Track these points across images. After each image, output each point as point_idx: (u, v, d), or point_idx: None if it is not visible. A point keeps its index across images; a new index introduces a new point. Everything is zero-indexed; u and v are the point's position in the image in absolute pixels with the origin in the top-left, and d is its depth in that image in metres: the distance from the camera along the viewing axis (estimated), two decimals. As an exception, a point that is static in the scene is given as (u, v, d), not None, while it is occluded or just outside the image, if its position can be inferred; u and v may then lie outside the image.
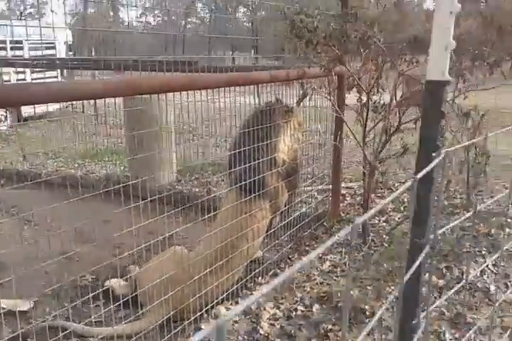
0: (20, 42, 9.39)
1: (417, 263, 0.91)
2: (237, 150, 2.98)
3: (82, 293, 2.44)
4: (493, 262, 2.97)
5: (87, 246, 3.25)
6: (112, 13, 32.71)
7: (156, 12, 41.78)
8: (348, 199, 4.43)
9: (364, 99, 3.31)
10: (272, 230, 3.29)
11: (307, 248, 3.53)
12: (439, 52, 0.78)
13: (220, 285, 2.78)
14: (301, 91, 3.05)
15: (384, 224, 3.84)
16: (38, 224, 4.06)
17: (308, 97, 3.08)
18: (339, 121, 3.76)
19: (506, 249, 3.11)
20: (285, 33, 2.72)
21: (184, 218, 3.05)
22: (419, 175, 0.83)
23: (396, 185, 4.71)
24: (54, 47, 10.24)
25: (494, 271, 2.89)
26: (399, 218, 3.90)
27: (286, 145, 3.18)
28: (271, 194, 3.07)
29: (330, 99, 3.08)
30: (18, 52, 9.24)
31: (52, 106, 6.63)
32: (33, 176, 4.75)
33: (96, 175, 5.35)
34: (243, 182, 2.89)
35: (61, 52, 10.35)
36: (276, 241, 3.34)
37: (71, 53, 10.48)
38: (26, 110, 8.46)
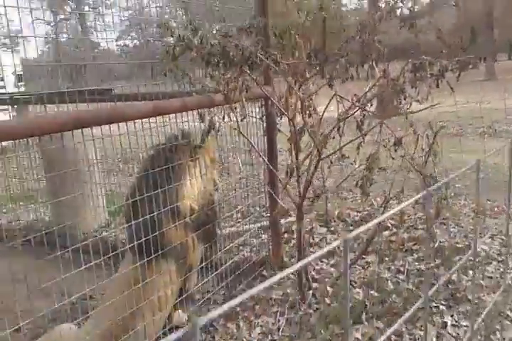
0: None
1: None
2: (132, 200, 2.42)
3: None
4: (453, 321, 2.40)
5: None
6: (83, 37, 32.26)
7: (132, 34, 41.55)
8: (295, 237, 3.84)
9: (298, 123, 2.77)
10: (190, 291, 2.71)
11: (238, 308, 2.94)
12: None
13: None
14: (206, 123, 2.49)
15: (332, 269, 3.26)
16: None
17: (217, 129, 2.52)
18: (270, 151, 3.22)
19: (468, 300, 2.54)
20: (162, 55, 2.17)
21: (109, 271, 2.50)
22: None
23: (353, 217, 4.15)
24: (2, 79, 9.68)
25: (454, 334, 2.31)
26: (351, 260, 3.32)
27: (195, 188, 2.61)
28: (176, 252, 2.49)
29: (239, 131, 2.52)
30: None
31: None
32: None
33: (19, 223, 4.74)
34: (136, 242, 2.33)
35: (9, 83, 9.79)
36: (196, 305, 2.75)
37: (20, 84, 9.91)
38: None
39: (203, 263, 2.79)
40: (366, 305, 2.66)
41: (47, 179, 4.45)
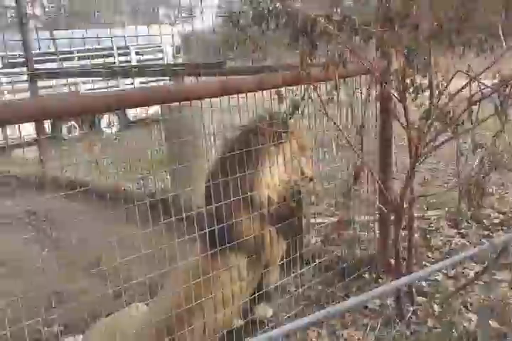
0: (127, 47, 9.57)
1: None
2: (208, 184, 2.22)
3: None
4: None
5: (90, 279, 2.82)
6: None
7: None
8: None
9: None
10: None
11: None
12: None
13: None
14: (288, 103, 2.12)
15: (449, 281, 2.69)
16: (59, 243, 3.77)
17: (299, 110, 2.13)
18: (384, 138, 2.73)
19: None
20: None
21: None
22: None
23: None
24: (162, 51, 10.31)
25: None
26: (476, 273, 2.70)
27: (276, 177, 2.28)
28: (249, 246, 2.22)
29: (326, 113, 2.07)
30: (122, 58, 9.44)
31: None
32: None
33: (144, 189, 4.95)
34: (205, 230, 2.12)
35: (169, 55, 10.37)
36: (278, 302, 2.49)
37: (178, 55, 10.44)
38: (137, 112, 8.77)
39: (291, 257, 2.48)
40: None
41: (167, 150, 4.51)
